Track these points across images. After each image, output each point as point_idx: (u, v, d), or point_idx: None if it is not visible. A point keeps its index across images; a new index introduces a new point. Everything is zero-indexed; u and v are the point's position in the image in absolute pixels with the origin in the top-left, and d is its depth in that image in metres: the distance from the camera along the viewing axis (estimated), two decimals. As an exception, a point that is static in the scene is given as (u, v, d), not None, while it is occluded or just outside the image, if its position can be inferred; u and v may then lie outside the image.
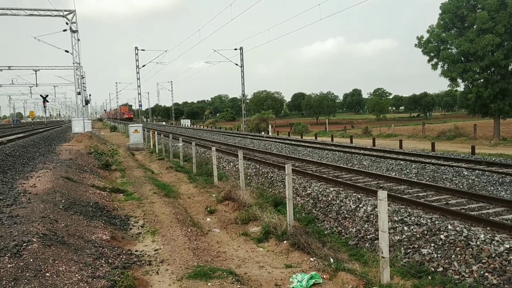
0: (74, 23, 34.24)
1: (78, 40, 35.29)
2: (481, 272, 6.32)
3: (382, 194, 5.90)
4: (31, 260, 5.24)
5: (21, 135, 31.14)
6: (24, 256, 5.33)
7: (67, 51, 35.96)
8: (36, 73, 60.78)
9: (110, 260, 6.37)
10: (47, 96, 54.37)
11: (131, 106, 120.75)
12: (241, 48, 48.53)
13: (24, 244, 5.66)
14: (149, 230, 8.83)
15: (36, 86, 69.55)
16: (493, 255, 6.53)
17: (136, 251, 7.45)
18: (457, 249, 6.99)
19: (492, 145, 27.56)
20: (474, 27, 29.23)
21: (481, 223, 8.02)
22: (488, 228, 7.72)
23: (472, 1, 30.04)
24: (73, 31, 34.37)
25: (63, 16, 33.80)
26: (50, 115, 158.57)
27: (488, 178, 12.70)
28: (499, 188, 11.86)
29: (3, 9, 32.29)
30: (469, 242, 7.03)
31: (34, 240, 5.89)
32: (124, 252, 7.13)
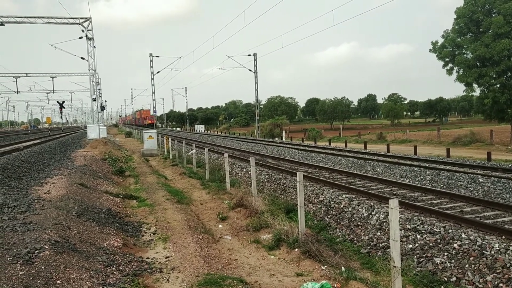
0: (90, 30, 34.71)
1: (94, 47, 35.75)
2: (496, 283, 6.21)
3: (394, 203, 5.84)
4: (43, 267, 5.30)
5: (37, 141, 31.58)
6: (36, 263, 5.38)
7: (83, 58, 36.46)
8: (53, 80, 61.72)
9: (121, 267, 6.41)
10: (63, 102, 55.16)
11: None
12: (254, 54, 48.67)
13: (36, 251, 5.72)
14: (160, 237, 8.86)
15: (53, 92, 70.64)
16: (508, 265, 6.41)
17: (148, 258, 7.48)
18: (471, 258, 6.88)
19: (509, 151, 27.10)
20: (490, 31, 28.91)
21: (496, 232, 7.88)
22: (503, 237, 7.58)
23: (487, 5, 29.74)
24: (88, 39, 34.83)
25: (79, 24, 34.29)
26: (67, 121, 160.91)
27: (504, 185, 12.49)
28: (516, 195, 11.65)
29: (21, 17, 32.91)
30: (483, 251, 6.91)
31: (46, 247, 5.95)
32: (135, 259, 7.17)
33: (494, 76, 29.41)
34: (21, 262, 5.32)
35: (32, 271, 5.14)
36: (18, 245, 5.95)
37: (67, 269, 5.47)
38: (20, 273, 5.04)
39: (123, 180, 17.29)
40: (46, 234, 6.60)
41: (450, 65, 31.42)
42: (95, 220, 8.89)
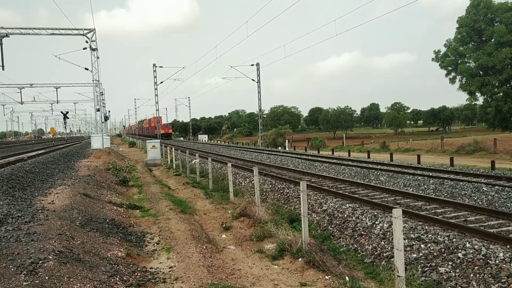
0: (94, 41, 34.92)
1: (98, 57, 35.96)
2: (501, 292, 6.17)
3: (397, 212, 5.84)
4: (47, 277, 5.30)
5: (41, 151, 31.67)
6: (40, 273, 5.39)
7: (87, 69, 36.67)
8: (57, 90, 62.17)
9: (124, 278, 6.40)
10: (67, 112, 55.55)
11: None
12: (257, 64, 48.83)
13: (40, 262, 5.73)
14: (164, 247, 8.86)
15: (57, 103, 71.31)
16: (513, 275, 6.37)
17: (151, 268, 7.47)
18: (476, 268, 6.85)
19: (513, 159, 26.98)
20: (492, 40, 28.99)
21: (500, 241, 7.84)
22: (508, 246, 7.54)
23: (489, 14, 29.83)
24: (92, 49, 35.04)
25: (83, 35, 34.51)
26: (71, 131, 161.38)
27: (508, 194, 12.45)
28: (520, 204, 11.60)
29: (26, 28, 33.15)
30: (488, 260, 6.88)
31: (50, 257, 5.96)
32: (139, 269, 7.16)
33: (496, 84, 29.46)
34: (25, 272, 5.33)
35: (36, 281, 5.14)
36: (22, 256, 5.96)
37: (71, 280, 5.47)
38: (24, 283, 5.04)
39: (126, 190, 17.32)
40: (50, 245, 6.61)
41: (453, 74, 31.58)
42: (99, 230, 8.90)
